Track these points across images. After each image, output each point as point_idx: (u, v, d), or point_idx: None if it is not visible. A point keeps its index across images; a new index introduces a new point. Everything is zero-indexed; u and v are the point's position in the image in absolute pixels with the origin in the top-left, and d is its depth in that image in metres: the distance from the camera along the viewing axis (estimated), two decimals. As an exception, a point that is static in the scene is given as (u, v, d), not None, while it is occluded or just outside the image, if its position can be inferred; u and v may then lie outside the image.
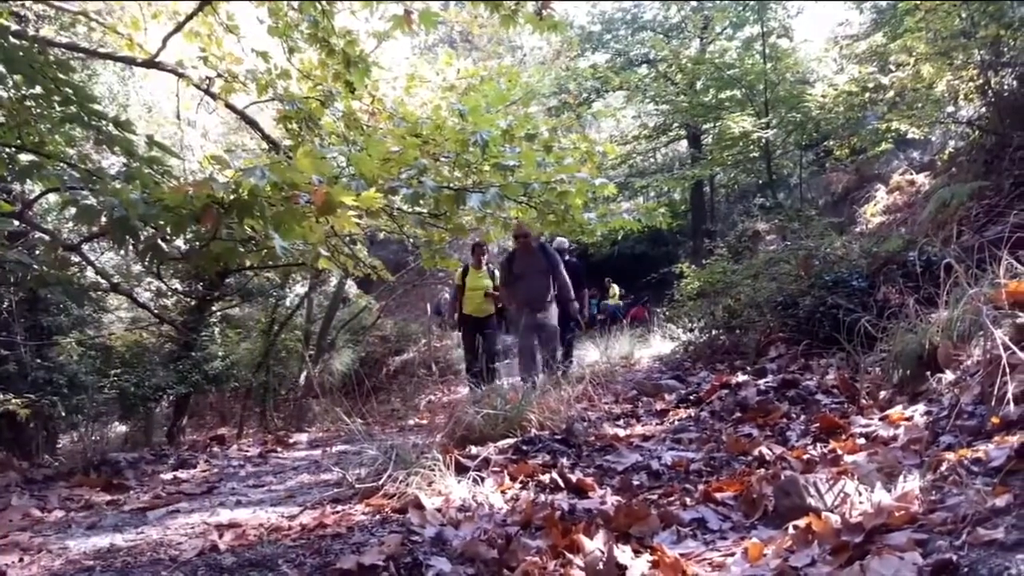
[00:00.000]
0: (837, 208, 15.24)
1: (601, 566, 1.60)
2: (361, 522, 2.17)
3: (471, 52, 16.13)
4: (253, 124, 6.45)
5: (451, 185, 6.20)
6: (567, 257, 7.85)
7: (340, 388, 11.37)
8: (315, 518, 2.27)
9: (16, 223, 5.61)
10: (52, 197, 6.61)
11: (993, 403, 2.06)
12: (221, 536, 2.14)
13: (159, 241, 4.02)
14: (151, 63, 5.44)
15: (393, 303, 16.68)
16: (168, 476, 3.76)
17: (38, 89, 3.97)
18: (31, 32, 6.57)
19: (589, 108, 17.99)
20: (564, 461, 2.83)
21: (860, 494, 1.77)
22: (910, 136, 12.32)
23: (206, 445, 5.30)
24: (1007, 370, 2.02)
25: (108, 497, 3.04)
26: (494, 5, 4.69)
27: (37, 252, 5.85)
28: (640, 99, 19.46)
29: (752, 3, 15.89)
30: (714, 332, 6.86)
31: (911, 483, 1.75)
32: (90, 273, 7.09)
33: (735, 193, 22.68)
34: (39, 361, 7.10)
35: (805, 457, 2.38)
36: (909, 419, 2.49)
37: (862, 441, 2.44)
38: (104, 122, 4.00)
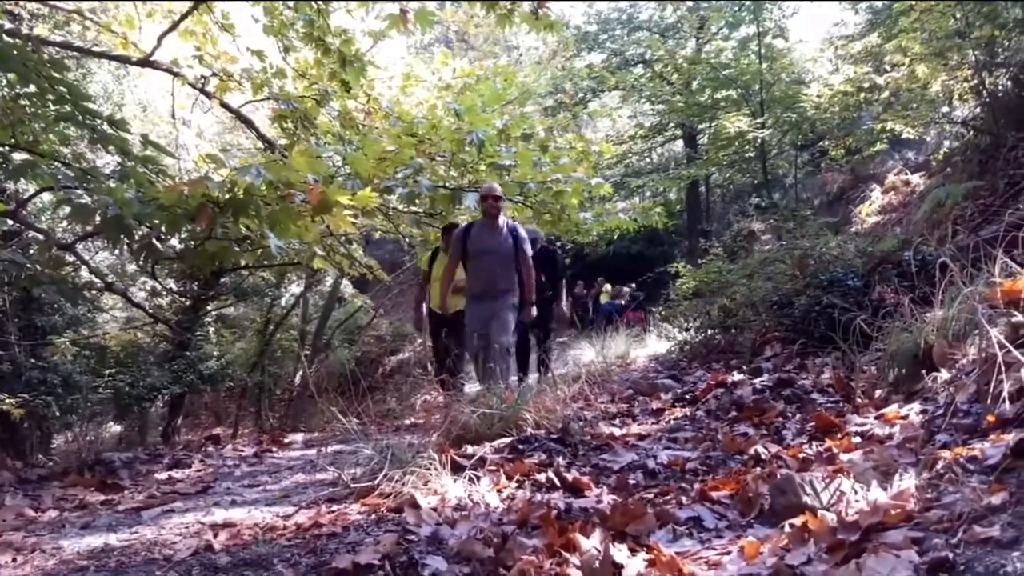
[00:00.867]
0: (832, 208, 15.28)
1: (597, 565, 1.60)
2: (357, 521, 2.16)
3: (467, 52, 16.13)
4: (248, 123, 6.44)
5: (447, 184, 6.20)
6: (542, 245, 6.72)
7: (336, 388, 11.35)
8: (310, 517, 2.27)
9: (10, 222, 5.59)
10: (46, 196, 6.58)
11: (989, 401, 2.07)
12: (216, 536, 2.13)
13: (154, 240, 4.01)
14: (146, 62, 5.43)
15: (389, 303, 16.68)
16: (163, 476, 3.75)
17: (32, 88, 3.96)
18: (25, 31, 6.55)
19: (585, 108, 18.01)
20: (560, 460, 2.83)
21: (856, 492, 1.77)
22: (905, 136, 12.37)
23: (201, 445, 5.29)
24: (1003, 368, 2.03)
25: (102, 497, 3.03)
26: (490, 5, 4.68)
27: (31, 251, 5.83)
28: (636, 99, 19.50)
29: (748, 3, 15.91)
30: (710, 332, 6.87)
31: (907, 481, 1.75)
32: (84, 272, 7.07)
33: (731, 193, 22.73)
34: (33, 361, 7.08)
35: (801, 456, 2.38)
36: (905, 418, 2.50)
37: (858, 440, 2.44)
38: (99, 121, 3.99)
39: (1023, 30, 8.61)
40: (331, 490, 2.65)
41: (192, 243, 4.13)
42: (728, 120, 14.75)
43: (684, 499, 2.16)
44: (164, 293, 9.26)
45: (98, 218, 4.06)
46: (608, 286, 17.08)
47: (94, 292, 7.27)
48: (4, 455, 5.54)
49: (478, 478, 2.49)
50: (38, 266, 4.72)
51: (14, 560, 2.01)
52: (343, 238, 5.19)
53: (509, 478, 2.58)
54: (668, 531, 1.89)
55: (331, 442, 4.65)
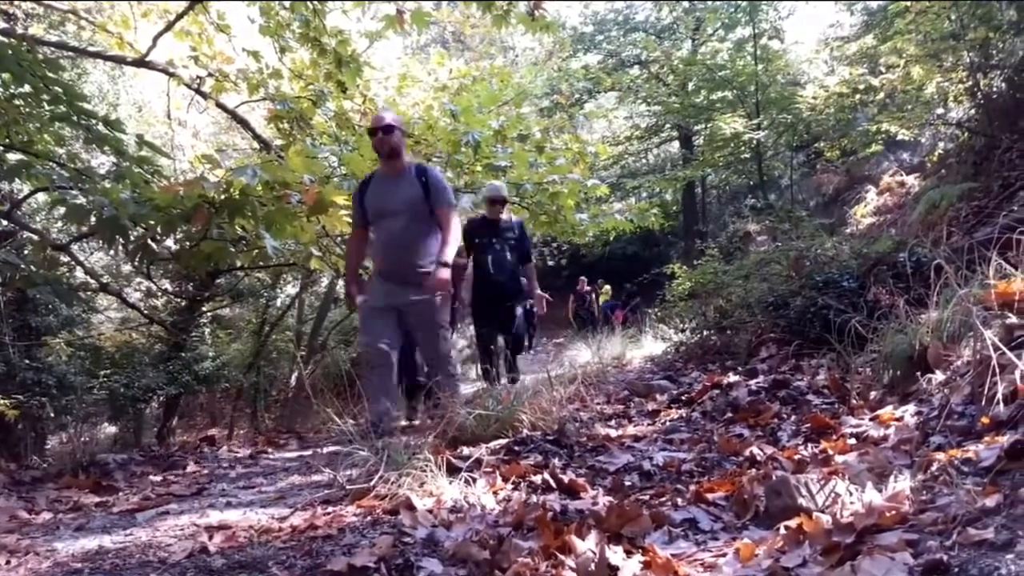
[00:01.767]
0: (828, 209, 15.32)
1: (593, 567, 1.60)
2: (352, 523, 2.16)
3: (463, 52, 16.14)
4: (244, 123, 6.43)
5: (443, 185, 6.17)
6: (510, 220, 5.63)
7: (332, 389, 11.34)
8: (306, 519, 2.26)
9: (4, 222, 5.58)
10: (41, 196, 6.57)
11: (983, 403, 2.07)
12: (211, 538, 2.13)
13: (149, 241, 4.01)
14: (141, 62, 5.42)
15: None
16: (157, 477, 3.74)
17: (27, 88, 3.95)
18: (20, 30, 6.52)
19: (581, 109, 18.05)
20: (556, 462, 2.83)
21: (851, 494, 1.78)
22: (900, 137, 12.41)
23: (196, 446, 5.27)
24: (997, 371, 2.03)
25: (97, 499, 3.02)
26: (486, 5, 4.69)
27: (26, 252, 5.81)
28: (632, 100, 19.53)
29: (743, 4, 15.94)
30: (705, 333, 6.87)
31: (902, 483, 1.76)
32: (79, 273, 7.06)
33: (726, 194, 22.78)
34: (28, 361, 7.05)
35: (796, 457, 2.38)
36: (899, 419, 2.51)
37: (853, 441, 2.44)
38: (94, 121, 3.98)
39: (1017, 32, 8.64)
40: (326, 492, 2.64)
41: (188, 244, 4.13)
42: (724, 121, 14.79)
43: (680, 501, 2.16)
44: (159, 294, 9.24)
45: (93, 219, 4.06)
46: (607, 287, 17.14)
47: (89, 293, 7.25)
48: (-2, 456, 5.52)
49: (474, 480, 2.49)
50: (33, 267, 4.71)
51: (7, 563, 2.01)
52: (339, 238, 5.18)
53: (505, 480, 2.58)
54: (664, 533, 1.89)
55: (327, 443, 4.64)
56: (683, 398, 4.17)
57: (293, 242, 5.08)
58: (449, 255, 3.67)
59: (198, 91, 5.68)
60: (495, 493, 2.44)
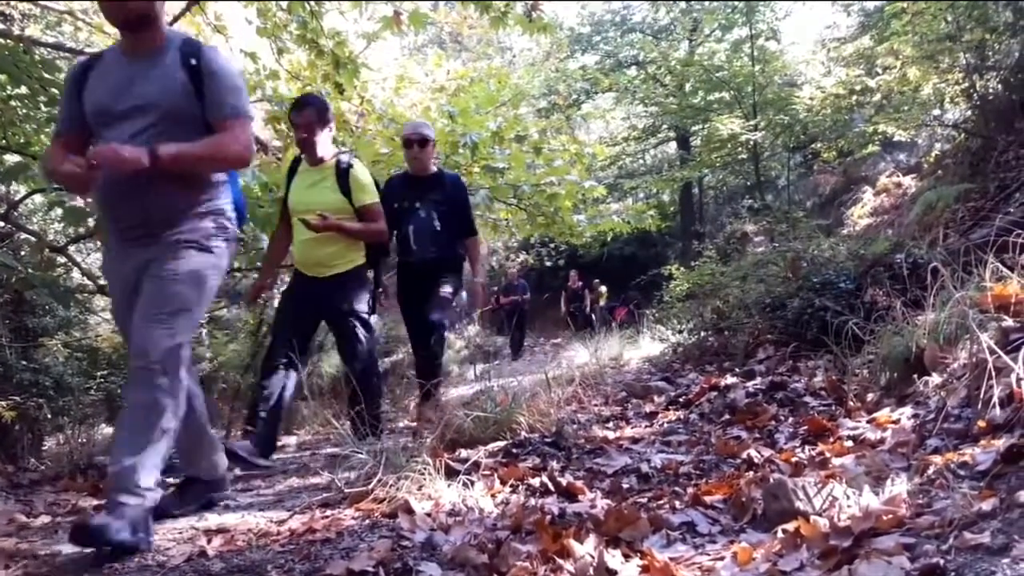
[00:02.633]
0: (825, 210, 15.34)
1: (591, 571, 1.60)
2: (351, 527, 2.16)
3: (460, 53, 16.15)
4: (241, 125, 6.42)
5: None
6: (440, 174, 4.37)
7: (329, 390, 11.33)
8: (304, 523, 2.26)
9: (1, 224, 5.57)
10: (38, 198, 6.55)
11: (979, 406, 2.08)
12: (209, 542, 2.13)
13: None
14: (138, 63, 5.38)
15: (382, 305, 16.62)
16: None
17: (23, 89, 3.95)
18: (16, 31, 6.51)
19: (579, 110, 18.08)
20: (554, 464, 2.84)
21: (848, 497, 1.79)
22: (897, 139, 12.44)
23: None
24: (993, 373, 2.04)
25: (95, 501, 3.01)
26: (484, 6, 4.69)
27: (23, 253, 5.80)
28: (629, 101, 19.55)
29: (740, 5, 15.96)
30: (703, 334, 6.87)
31: (899, 486, 1.77)
32: (76, 274, 7.04)
33: (724, 195, 22.80)
34: (24, 363, 7.03)
35: (794, 460, 2.39)
36: (896, 422, 2.52)
37: (850, 444, 2.45)
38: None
39: (1014, 33, 8.67)
40: (325, 495, 2.65)
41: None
42: (721, 122, 14.79)
43: (677, 504, 2.17)
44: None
45: (91, 221, 4.05)
46: (603, 288, 17.17)
47: (86, 294, 7.23)
48: (-5, 458, 5.50)
49: (472, 483, 2.50)
50: (29, 268, 4.70)
51: (7, 567, 2.00)
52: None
53: (503, 483, 2.58)
54: (662, 536, 1.90)
55: (324, 446, 4.64)
56: (681, 400, 4.18)
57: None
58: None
59: (195, 92, 5.67)
60: (493, 496, 2.44)
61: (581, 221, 7.04)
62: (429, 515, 2.18)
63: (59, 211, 3.98)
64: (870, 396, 3.07)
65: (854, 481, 1.89)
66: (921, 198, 9.03)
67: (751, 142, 14.43)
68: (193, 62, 2.32)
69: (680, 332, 7.48)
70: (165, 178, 2.21)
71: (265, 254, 4.33)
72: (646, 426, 3.69)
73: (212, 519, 2.54)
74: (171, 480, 2.77)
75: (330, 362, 11.89)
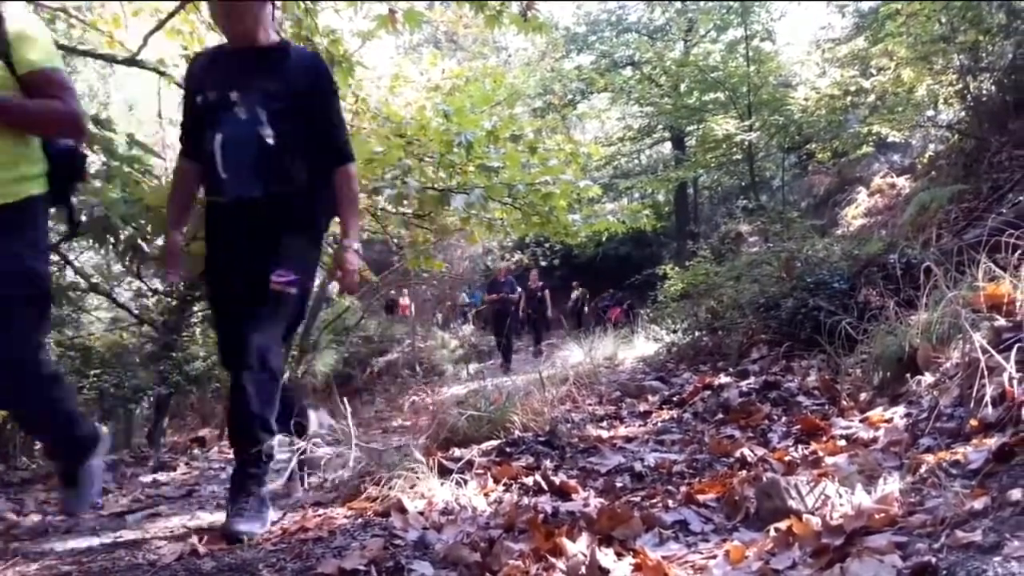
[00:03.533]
0: (819, 210, 15.39)
1: (583, 570, 1.60)
2: (343, 526, 2.15)
3: (456, 52, 16.14)
4: (236, 123, 6.40)
5: (435, 186, 6.18)
6: (285, 47, 2.49)
7: (323, 389, 11.31)
8: (296, 522, 2.26)
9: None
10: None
11: (972, 405, 2.09)
12: (201, 540, 2.12)
13: (139, 241, 3.99)
14: (132, 61, 5.38)
15: (377, 303, 16.62)
16: (148, 479, 3.73)
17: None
18: (9, 28, 6.47)
19: (574, 109, 18.11)
20: (547, 463, 2.84)
21: (841, 496, 1.79)
22: (891, 139, 12.50)
23: (187, 447, 5.26)
24: (985, 373, 2.05)
25: (86, 500, 3.00)
26: (479, 5, 4.69)
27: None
28: (624, 101, 19.58)
29: (735, 5, 16.00)
30: (697, 333, 6.89)
31: (891, 485, 1.77)
32: (69, 273, 7.01)
33: (718, 195, 22.86)
34: (16, 362, 6.99)
35: (787, 459, 2.39)
36: (889, 421, 2.52)
37: (843, 443, 2.46)
38: (83, 120, 3.95)
39: (1007, 35, 8.71)
40: (317, 493, 2.64)
41: (178, 244, 4.11)
42: (716, 122, 14.84)
43: (670, 502, 2.17)
44: (150, 294, 9.18)
45: (83, 218, 4.03)
46: (581, 290, 17.28)
47: (78, 293, 7.20)
48: (-14, 457, 5.48)
49: (465, 482, 2.49)
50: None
51: (-5, 566, 1.99)
52: (330, 238, 5.16)
53: (496, 481, 2.58)
54: (654, 535, 1.89)
55: (318, 444, 4.63)
56: (675, 399, 4.18)
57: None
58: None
59: (189, 90, 5.65)
60: (486, 495, 2.44)
61: (576, 221, 7.03)
62: (422, 514, 2.17)
63: (51, 209, 3.96)
64: (863, 395, 3.08)
65: (847, 480, 1.89)
66: (915, 199, 9.06)
67: (746, 142, 14.47)
68: None
69: (674, 332, 7.50)
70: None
71: None
72: (640, 425, 3.69)
73: (204, 517, 2.53)
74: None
75: (324, 360, 11.88)
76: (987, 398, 2.00)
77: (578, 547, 1.71)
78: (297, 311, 2.47)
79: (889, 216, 11.88)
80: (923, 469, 1.82)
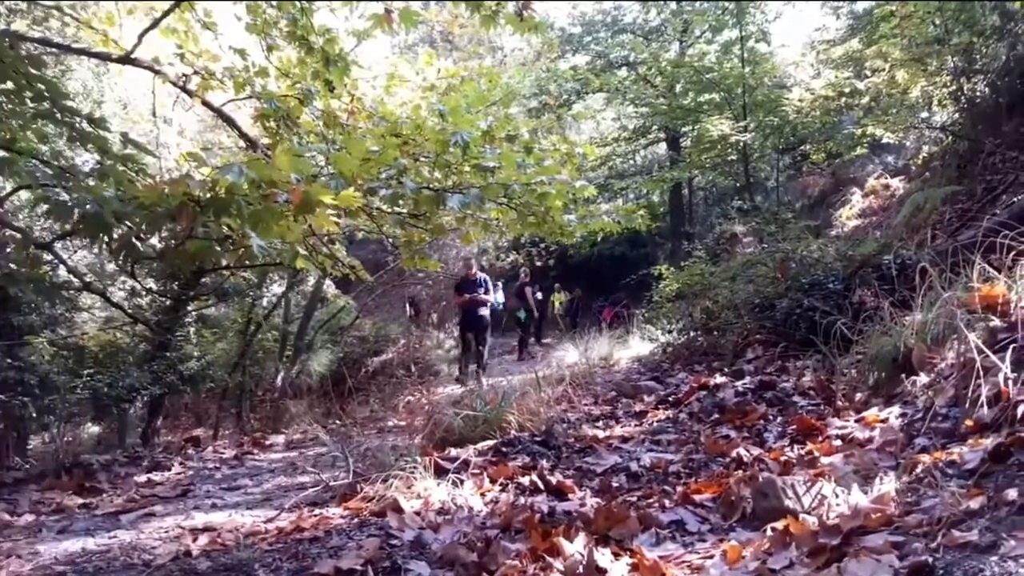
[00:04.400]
0: (814, 211, 15.42)
1: (581, 569, 1.60)
2: (339, 525, 2.15)
3: (451, 52, 16.12)
4: (230, 122, 6.37)
5: (431, 186, 6.16)
6: None
7: (318, 389, 11.29)
8: (292, 521, 2.25)
9: (-14, 220, 5.50)
10: (23, 193, 6.49)
11: (967, 406, 2.09)
12: (196, 540, 2.11)
13: (133, 240, 3.96)
14: (126, 59, 5.36)
15: (372, 303, 16.60)
16: (142, 479, 3.71)
17: (9, 85, 3.90)
18: (2, 26, 6.45)
19: (569, 110, 18.09)
20: (544, 463, 2.83)
21: (837, 496, 1.79)
22: (885, 141, 12.53)
23: (181, 447, 5.23)
24: (981, 373, 2.05)
25: (80, 500, 2.99)
26: (475, 5, 4.68)
27: (8, 250, 5.73)
28: (620, 101, 19.59)
29: (730, 6, 16.02)
30: (692, 334, 6.89)
31: (887, 485, 1.77)
32: (63, 272, 6.97)
33: (713, 195, 22.90)
34: (10, 361, 6.96)
35: (782, 459, 2.39)
36: (884, 421, 2.52)
37: (838, 443, 2.46)
38: (77, 119, 3.94)
39: (1000, 37, 8.74)
40: (313, 492, 2.63)
41: (172, 242, 4.09)
42: (711, 123, 14.85)
43: (667, 502, 2.17)
44: (144, 293, 9.14)
45: (77, 217, 4.01)
46: (561, 294, 17.32)
47: (72, 292, 7.17)
48: (-21, 457, 5.44)
49: (461, 481, 2.49)
50: (14, 265, 4.64)
51: (-11, 566, 1.98)
52: (326, 238, 5.13)
53: (493, 481, 2.57)
54: (651, 535, 1.90)
55: (313, 444, 4.62)
56: (670, 399, 4.18)
57: (279, 241, 5.05)
58: None
59: (184, 89, 5.62)
60: (483, 495, 2.44)
61: (571, 221, 7.03)
62: (418, 514, 2.17)
63: (45, 207, 3.93)
64: (858, 395, 3.09)
65: (843, 480, 1.89)
66: (909, 200, 9.09)
67: (741, 143, 14.48)
68: None
69: (669, 332, 7.50)
70: None
71: None
72: (636, 425, 3.69)
73: (199, 517, 2.52)
74: None
75: (319, 360, 11.86)
76: (982, 398, 2.01)
77: (575, 547, 1.71)
78: None
79: (883, 217, 11.91)
80: (919, 469, 1.82)
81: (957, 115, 9.96)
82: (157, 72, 5.51)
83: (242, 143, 6.77)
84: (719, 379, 4.28)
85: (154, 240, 4.37)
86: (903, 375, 2.83)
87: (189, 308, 9.84)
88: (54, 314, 8.03)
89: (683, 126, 18.10)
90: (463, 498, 2.33)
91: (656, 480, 2.53)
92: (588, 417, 3.98)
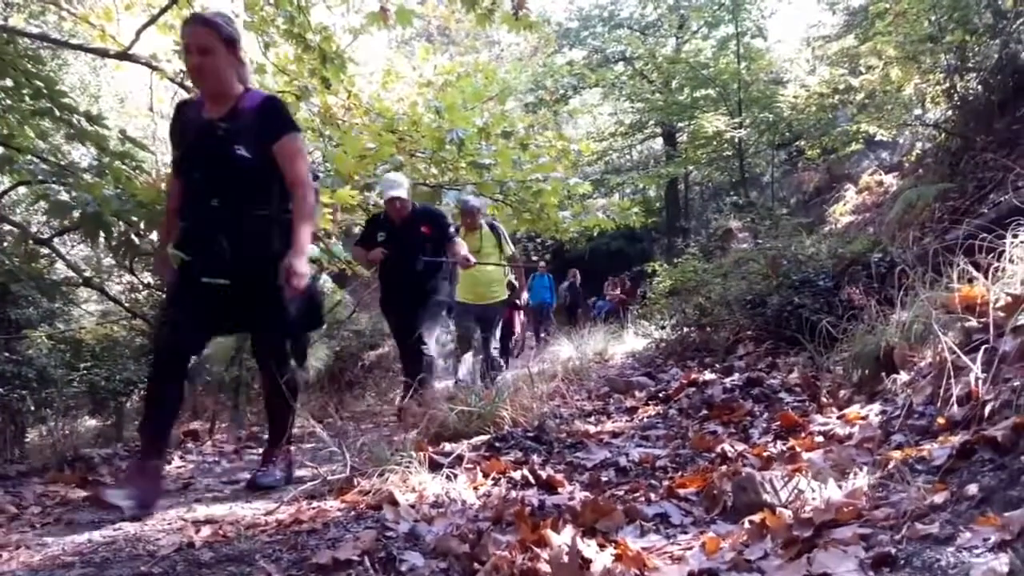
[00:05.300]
0: (808, 207, 15.52)
1: (565, 559, 1.67)
2: (336, 518, 2.22)
3: (448, 47, 16.14)
4: (228, 119, 6.41)
5: (427, 182, 6.23)
6: None
7: (315, 383, 11.34)
8: (291, 514, 2.32)
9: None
10: (22, 189, 6.53)
11: (940, 404, 2.17)
12: (198, 532, 2.18)
13: (132, 236, 4.02)
14: (124, 55, 5.40)
15: (369, 297, 16.65)
16: (142, 472, 3.76)
17: (8, 82, 3.94)
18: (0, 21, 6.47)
19: (565, 105, 18.14)
20: (535, 458, 2.91)
21: (813, 491, 1.87)
22: (879, 137, 12.62)
23: (180, 441, 5.29)
24: (952, 373, 2.13)
25: (84, 493, 3.05)
26: (470, 3, 4.73)
27: (6, 245, 5.78)
28: (616, 97, 19.65)
29: (725, 1, 16.06)
30: (685, 329, 6.97)
31: (860, 480, 1.85)
32: (60, 266, 7.02)
33: (709, 191, 22.98)
34: (7, 354, 7.01)
35: (765, 454, 2.47)
36: (865, 418, 2.60)
37: (820, 439, 2.54)
38: (75, 116, 3.98)
39: (993, 35, 8.81)
40: (311, 486, 2.70)
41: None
42: (707, 119, 14.93)
43: (653, 496, 2.25)
44: (141, 287, 9.19)
45: (76, 213, 4.06)
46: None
47: (70, 286, 7.21)
48: (-21, 450, 5.51)
49: (455, 475, 2.56)
50: (13, 260, 4.69)
51: (0, 556, 2.05)
52: (322, 233, 5.20)
53: (486, 475, 2.65)
54: (636, 527, 1.97)
55: (310, 438, 4.69)
56: (661, 395, 4.26)
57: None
58: None
59: (181, 85, 5.66)
60: (476, 488, 2.51)
61: (567, 217, 7.11)
62: (413, 507, 2.24)
63: (43, 203, 3.98)
64: (842, 393, 3.16)
65: (820, 475, 1.97)
66: (901, 196, 9.17)
67: (736, 139, 14.58)
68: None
69: (663, 328, 7.58)
70: None
71: None
72: (626, 421, 3.77)
73: (200, 510, 2.59)
74: None
75: (316, 354, 11.91)
76: (954, 397, 2.09)
77: (562, 538, 1.78)
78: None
79: (876, 213, 12.00)
80: (891, 465, 1.90)
81: (950, 112, 10.04)
82: (155, 68, 5.55)
83: (239, 139, 6.81)
84: (708, 376, 4.36)
85: (153, 236, 4.42)
86: (885, 373, 2.91)
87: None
88: (52, 308, 8.08)
89: (679, 121, 18.19)
90: (457, 492, 2.41)
91: (643, 474, 2.61)
92: (580, 412, 4.05)
